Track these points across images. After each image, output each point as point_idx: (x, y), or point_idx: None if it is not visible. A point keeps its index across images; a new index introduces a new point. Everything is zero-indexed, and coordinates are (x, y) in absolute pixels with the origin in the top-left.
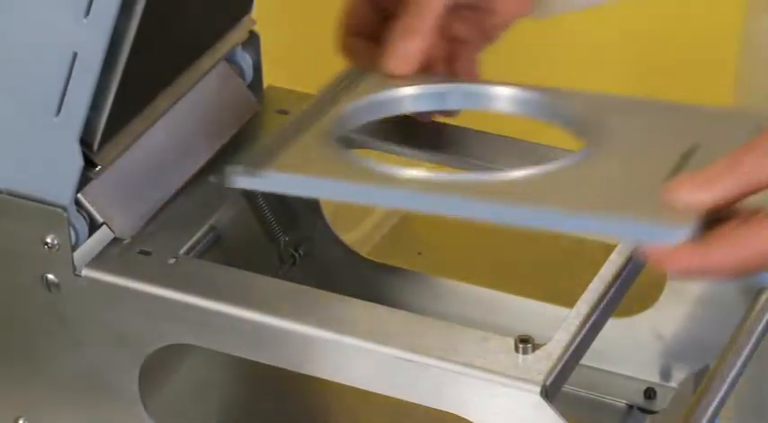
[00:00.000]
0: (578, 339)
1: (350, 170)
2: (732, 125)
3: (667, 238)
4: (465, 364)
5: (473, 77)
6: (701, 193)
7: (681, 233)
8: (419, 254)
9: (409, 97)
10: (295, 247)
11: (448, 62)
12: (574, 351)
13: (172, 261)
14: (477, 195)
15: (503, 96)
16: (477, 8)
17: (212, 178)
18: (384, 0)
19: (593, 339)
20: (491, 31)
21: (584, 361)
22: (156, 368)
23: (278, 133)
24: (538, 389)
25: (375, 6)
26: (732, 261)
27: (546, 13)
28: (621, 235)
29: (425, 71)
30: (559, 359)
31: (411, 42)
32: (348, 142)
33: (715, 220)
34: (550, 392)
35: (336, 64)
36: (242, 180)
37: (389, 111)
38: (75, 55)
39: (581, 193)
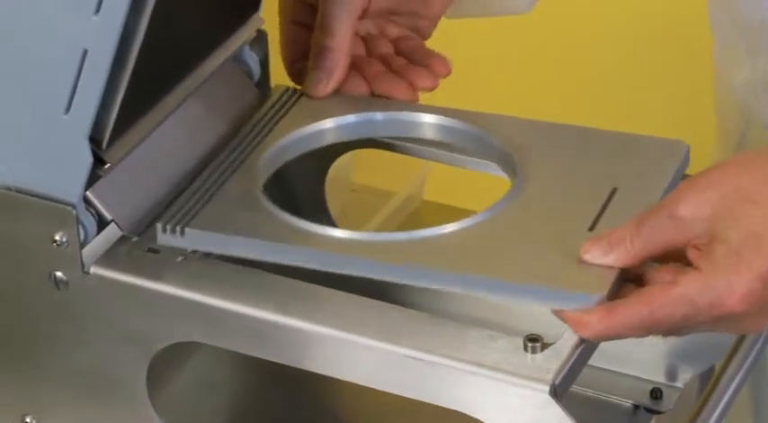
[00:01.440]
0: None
1: (263, 228)
2: (655, 156)
3: (582, 305)
4: (474, 363)
5: (431, 63)
6: (606, 258)
7: (593, 300)
8: None
9: (331, 130)
10: None
11: (399, 55)
12: (582, 350)
13: (180, 259)
14: (390, 258)
15: (429, 124)
16: (404, 13)
17: None
18: (309, 18)
19: None
20: (423, 30)
21: (590, 361)
22: (164, 366)
23: (202, 187)
24: (547, 388)
25: (305, 27)
26: (640, 321)
27: (455, 15)
28: (542, 303)
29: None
30: (568, 358)
31: (324, 62)
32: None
33: (626, 279)
34: (559, 391)
35: None
36: (166, 238)
37: (311, 146)
38: (85, 52)
39: (497, 257)
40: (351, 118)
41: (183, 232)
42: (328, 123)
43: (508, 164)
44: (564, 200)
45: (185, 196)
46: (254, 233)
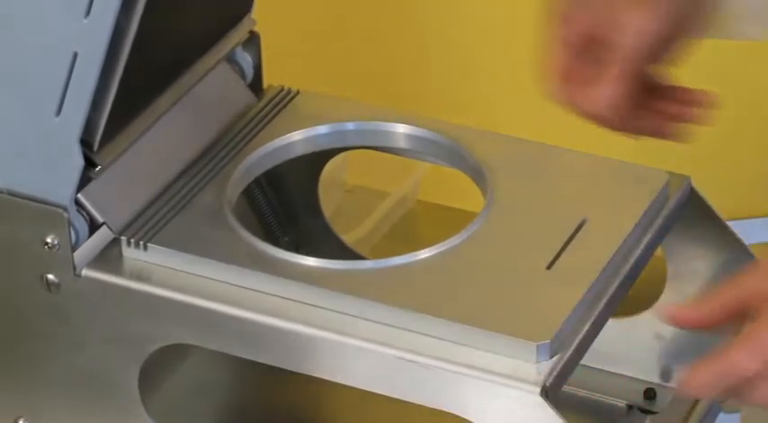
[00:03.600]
0: (578, 339)
1: (226, 250)
2: (631, 186)
3: (524, 352)
4: (465, 365)
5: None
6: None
7: (534, 347)
8: None
9: (302, 141)
10: (295, 248)
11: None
12: (574, 351)
13: None
14: (344, 289)
15: (402, 134)
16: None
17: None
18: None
19: (593, 339)
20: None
21: (584, 361)
22: (157, 368)
23: (174, 197)
24: (538, 389)
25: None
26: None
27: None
28: (486, 348)
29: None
30: (559, 359)
31: (604, 89)
32: None
33: None
34: (550, 392)
35: (334, 62)
36: (131, 251)
37: (283, 159)
38: (75, 55)
39: (450, 294)
40: (322, 129)
41: (146, 247)
42: (297, 135)
43: (481, 181)
44: (529, 230)
45: (156, 207)
46: (216, 255)
